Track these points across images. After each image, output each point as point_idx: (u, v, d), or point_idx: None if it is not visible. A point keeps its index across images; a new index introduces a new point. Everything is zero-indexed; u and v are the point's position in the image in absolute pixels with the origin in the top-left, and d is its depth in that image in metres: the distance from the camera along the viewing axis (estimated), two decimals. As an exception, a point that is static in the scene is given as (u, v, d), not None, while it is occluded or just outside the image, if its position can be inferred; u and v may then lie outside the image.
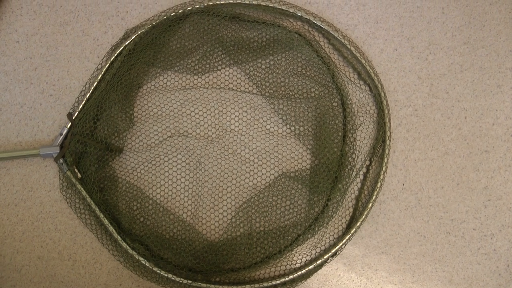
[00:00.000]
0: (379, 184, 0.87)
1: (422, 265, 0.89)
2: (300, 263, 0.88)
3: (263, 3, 0.88)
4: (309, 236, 0.86)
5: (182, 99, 0.91)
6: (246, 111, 0.91)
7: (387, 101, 0.89)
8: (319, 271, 0.87)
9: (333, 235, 0.88)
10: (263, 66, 0.91)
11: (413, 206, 0.90)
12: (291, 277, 0.86)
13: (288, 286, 0.85)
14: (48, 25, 0.92)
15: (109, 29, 0.93)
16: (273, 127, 0.91)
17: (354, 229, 0.86)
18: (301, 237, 0.86)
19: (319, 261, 0.86)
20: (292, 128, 0.90)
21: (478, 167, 0.90)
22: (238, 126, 0.90)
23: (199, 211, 0.88)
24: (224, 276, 0.86)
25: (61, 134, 0.86)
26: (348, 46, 0.89)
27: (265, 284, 0.84)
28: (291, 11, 0.89)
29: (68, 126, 0.86)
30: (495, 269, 0.88)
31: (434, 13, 0.93)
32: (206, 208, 0.89)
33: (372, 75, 0.89)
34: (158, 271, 0.83)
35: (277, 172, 0.90)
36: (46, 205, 0.89)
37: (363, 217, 0.87)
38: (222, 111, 0.91)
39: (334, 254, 0.87)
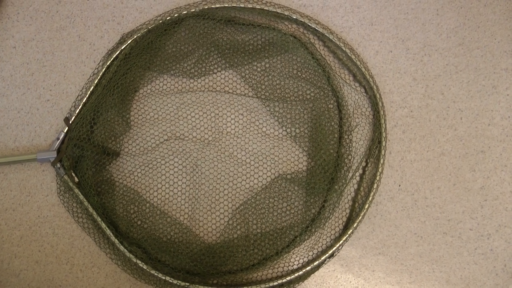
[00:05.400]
0: (375, 185, 0.88)
1: (419, 265, 0.89)
2: (297, 265, 0.88)
3: (258, 6, 0.89)
4: (306, 237, 0.86)
5: (178, 102, 0.91)
6: (242, 114, 0.91)
7: (382, 103, 0.89)
8: (316, 273, 0.87)
9: (330, 236, 0.89)
10: (258, 69, 0.91)
11: (409, 207, 0.90)
12: (288, 278, 0.86)
13: (285, 287, 0.85)
14: (44, 31, 0.93)
15: (105, 33, 0.93)
16: (269, 130, 0.91)
17: (351, 230, 0.87)
18: (298, 238, 0.86)
19: (316, 263, 0.86)
20: (288, 130, 0.90)
21: (474, 167, 0.90)
22: (234, 129, 0.91)
23: (196, 214, 0.89)
24: (222, 278, 0.86)
25: (58, 139, 0.86)
26: (343, 48, 0.90)
27: (263, 286, 0.84)
28: (286, 14, 0.89)
29: (65, 131, 0.86)
30: (492, 269, 0.88)
31: (428, 14, 0.93)
32: (203, 210, 0.89)
33: (368, 76, 0.90)
34: (155, 274, 0.83)
35: (274, 174, 0.90)
36: (44, 209, 0.90)
37: (360, 218, 0.87)
38: (218, 114, 0.91)
39: (331, 255, 0.87)
